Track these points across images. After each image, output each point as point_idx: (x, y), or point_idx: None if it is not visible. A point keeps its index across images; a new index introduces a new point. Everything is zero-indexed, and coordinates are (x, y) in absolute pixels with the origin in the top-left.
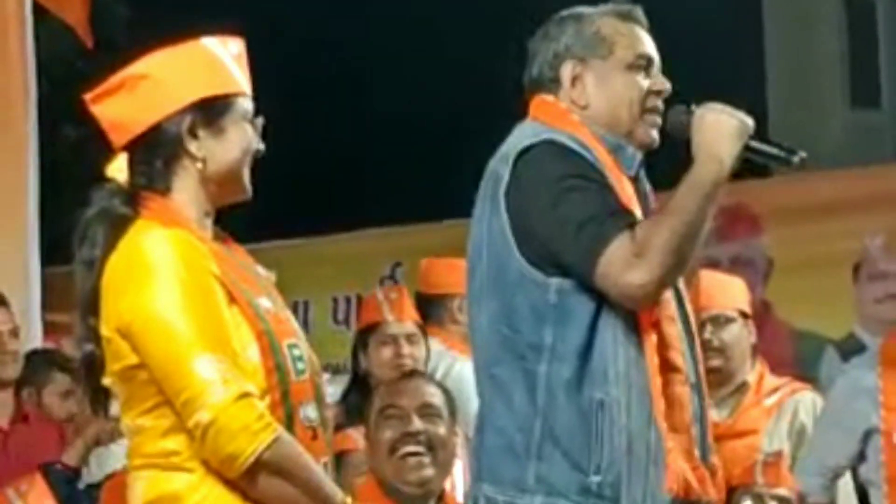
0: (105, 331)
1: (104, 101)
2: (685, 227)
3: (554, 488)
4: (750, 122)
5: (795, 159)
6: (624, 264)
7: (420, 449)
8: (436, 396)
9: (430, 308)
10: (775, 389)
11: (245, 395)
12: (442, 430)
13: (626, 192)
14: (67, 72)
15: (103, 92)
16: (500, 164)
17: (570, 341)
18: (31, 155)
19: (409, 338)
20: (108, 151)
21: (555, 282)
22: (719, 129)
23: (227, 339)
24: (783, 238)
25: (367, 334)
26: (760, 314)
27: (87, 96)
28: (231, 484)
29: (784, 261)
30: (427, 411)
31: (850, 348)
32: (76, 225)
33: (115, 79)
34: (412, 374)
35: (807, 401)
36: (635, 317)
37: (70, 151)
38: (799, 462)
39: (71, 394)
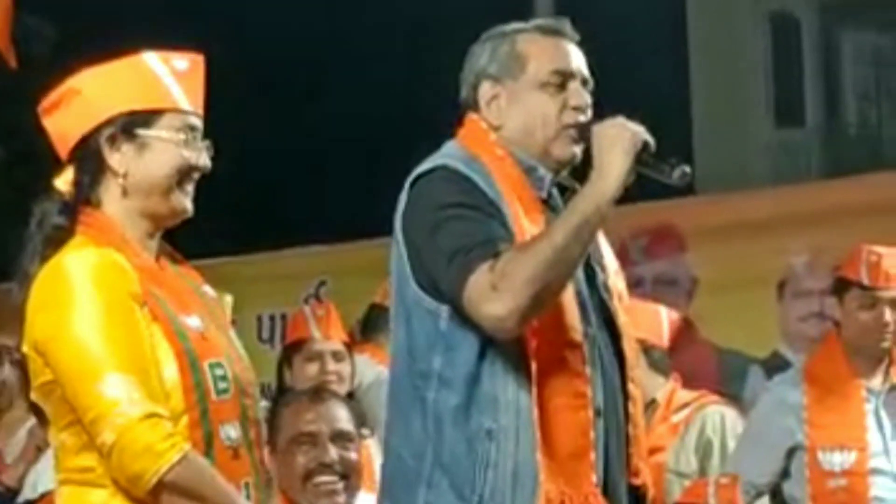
0: (25, 347)
1: (50, 114)
2: (553, 253)
3: None
4: (643, 134)
5: (677, 174)
6: (480, 295)
7: (334, 478)
8: (345, 420)
9: (377, 321)
10: (685, 405)
11: (151, 416)
12: (353, 454)
13: (528, 216)
14: None
15: (49, 105)
16: (405, 188)
17: (458, 368)
18: None
19: (335, 355)
20: (35, 171)
21: (444, 309)
22: (612, 142)
23: (140, 359)
24: (708, 256)
25: (292, 350)
26: (684, 333)
27: (40, 108)
28: (141, 502)
29: (708, 279)
30: (340, 439)
31: (775, 366)
32: (15, 240)
33: (56, 92)
34: (319, 394)
35: (714, 415)
36: (524, 344)
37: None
38: None
39: None
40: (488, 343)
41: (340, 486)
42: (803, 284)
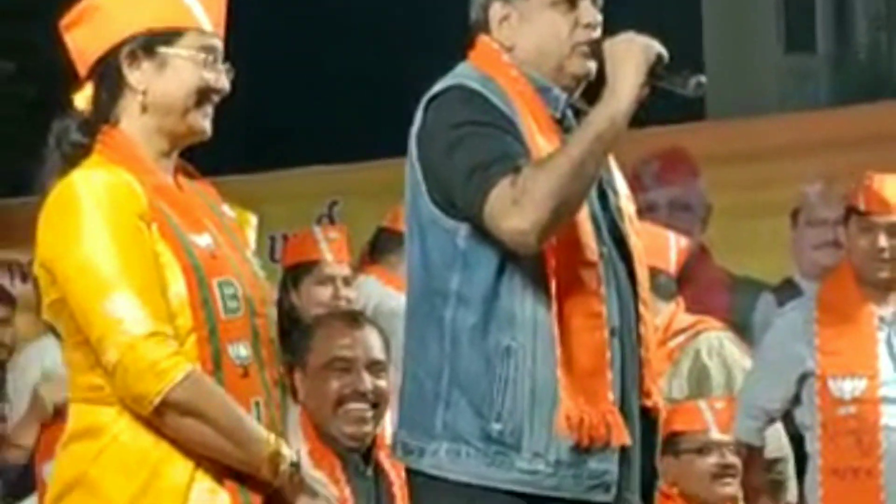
0: (35, 265)
1: (71, 30)
2: (571, 168)
3: (458, 435)
4: (656, 46)
5: (692, 83)
6: (502, 210)
7: (366, 406)
8: (379, 349)
9: (387, 244)
10: (682, 331)
11: (156, 334)
12: (385, 383)
13: (543, 135)
14: None
15: (70, 21)
16: (419, 108)
17: (476, 286)
18: None
19: (346, 280)
20: (45, 87)
21: (463, 227)
22: (623, 56)
23: (146, 278)
24: (720, 182)
25: (300, 271)
26: (698, 258)
27: (61, 24)
28: (148, 420)
29: (721, 206)
30: (375, 367)
31: (788, 294)
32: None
33: (78, 7)
34: (356, 319)
35: (712, 341)
36: (543, 262)
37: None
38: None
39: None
40: (507, 261)
41: (370, 414)
42: (817, 213)
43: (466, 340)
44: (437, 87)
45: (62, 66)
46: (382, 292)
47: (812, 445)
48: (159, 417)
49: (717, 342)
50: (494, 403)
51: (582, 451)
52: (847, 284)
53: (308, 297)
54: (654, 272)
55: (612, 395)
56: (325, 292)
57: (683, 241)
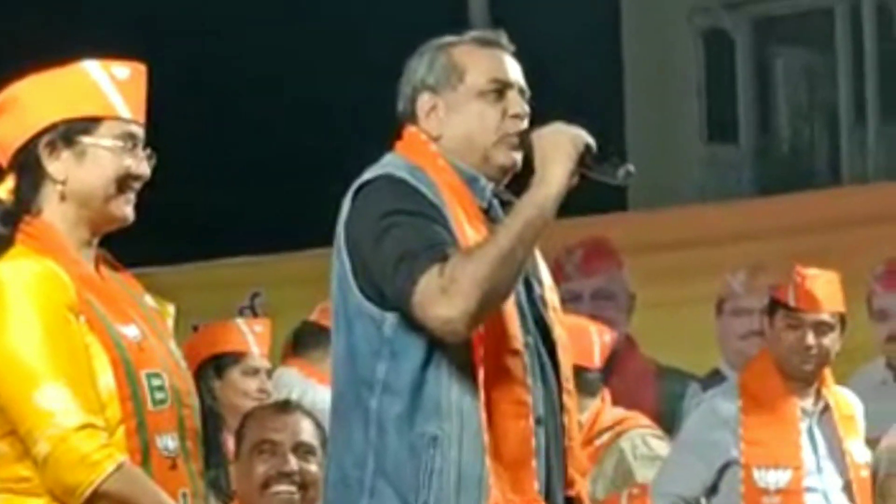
0: None
1: None
2: (500, 255)
3: None
4: (584, 136)
5: (622, 173)
6: (431, 299)
7: (293, 488)
8: (309, 433)
9: (312, 339)
10: (607, 429)
11: (86, 426)
12: (314, 467)
13: (471, 225)
14: None
15: None
16: (347, 197)
17: (402, 375)
18: None
19: (269, 373)
20: None
21: (389, 316)
22: (552, 146)
23: (76, 370)
24: (644, 272)
25: (226, 361)
26: (624, 349)
27: None
28: None
29: (646, 296)
30: (302, 449)
31: (715, 385)
32: None
33: None
34: (288, 406)
35: (634, 439)
36: (469, 350)
37: None
38: (652, 484)
39: None
40: (433, 350)
41: (298, 496)
42: (742, 302)
43: (392, 429)
44: (365, 176)
45: None
46: (304, 384)
47: None
48: None
49: (641, 440)
50: (420, 493)
51: None
52: (769, 375)
53: (233, 387)
54: (577, 370)
55: (536, 485)
56: (251, 384)
57: (607, 336)
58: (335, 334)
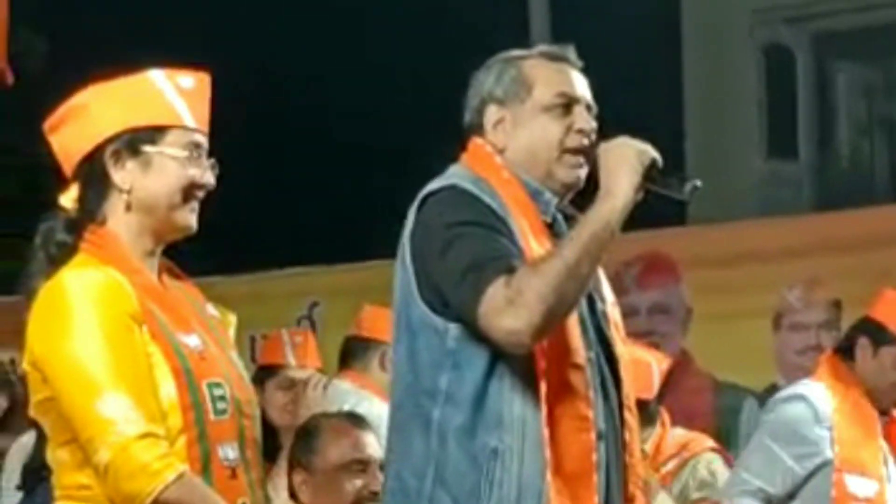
0: (24, 363)
1: (57, 130)
2: (566, 268)
3: None
4: (650, 151)
5: (688, 188)
6: (497, 310)
7: None
8: (379, 447)
9: (359, 351)
10: (672, 456)
11: (147, 435)
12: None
13: (536, 238)
14: None
15: (54, 123)
16: (412, 208)
17: (465, 387)
18: None
19: (307, 383)
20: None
21: (453, 327)
22: (618, 160)
23: (137, 378)
24: (701, 287)
25: (265, 374)
26: (680, 363)
27: (45, 125)
28: None
29: (703, 310)
30: (380, 465)
31: None
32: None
33: (62, 109)
34: (360, 420)
35: (698, 467)
36: (532, 364)
37: None
38: (729, 479)
39: None
40: (497, 362)
41: None
42: (799, 317)
43: (453, 440)
44: (431, 186)
45: (43, 165)
46: (358, 395)
47: None
48: None
49: (706, 468)
50: (481, 502)
51: None
52: (852, 384)
53: (270, 399)
54: (639, 403)
55: (597, 500)
56: (283, 397)
57: (665, 364)
58: (396, 344)
